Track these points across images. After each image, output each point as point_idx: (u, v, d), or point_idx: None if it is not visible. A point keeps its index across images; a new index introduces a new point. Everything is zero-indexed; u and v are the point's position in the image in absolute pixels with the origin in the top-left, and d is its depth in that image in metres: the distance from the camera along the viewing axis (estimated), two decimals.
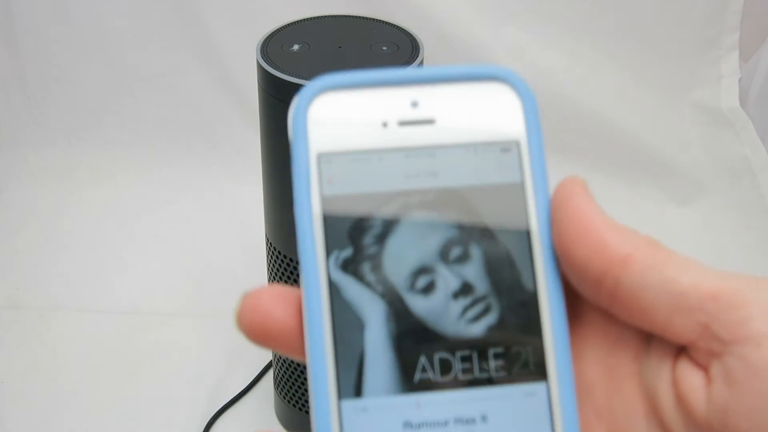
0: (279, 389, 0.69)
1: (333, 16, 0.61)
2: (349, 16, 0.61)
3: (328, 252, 0.23)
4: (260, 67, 0.55)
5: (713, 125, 0.99)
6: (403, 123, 0.24)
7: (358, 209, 0.23)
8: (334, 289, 0.23)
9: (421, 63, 0.56)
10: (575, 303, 0.24)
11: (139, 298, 0.82)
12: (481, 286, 0.23)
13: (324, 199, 0.23)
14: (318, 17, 0.61)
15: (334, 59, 0.56)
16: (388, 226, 0.23)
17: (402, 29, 0.59)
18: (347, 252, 0.23)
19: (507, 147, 0.24)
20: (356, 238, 0.23)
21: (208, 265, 0.86)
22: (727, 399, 0.21)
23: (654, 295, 0.22)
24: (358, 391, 0.22)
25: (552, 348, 0.23)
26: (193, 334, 0.78)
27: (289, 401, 0.68)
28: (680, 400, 0.22)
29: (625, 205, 0.94)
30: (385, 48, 0.56)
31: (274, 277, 0.64)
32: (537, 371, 0.23)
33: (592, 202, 0.23)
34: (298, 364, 0.65)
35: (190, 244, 0.89)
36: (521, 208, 0.24)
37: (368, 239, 0.23)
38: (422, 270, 0.23)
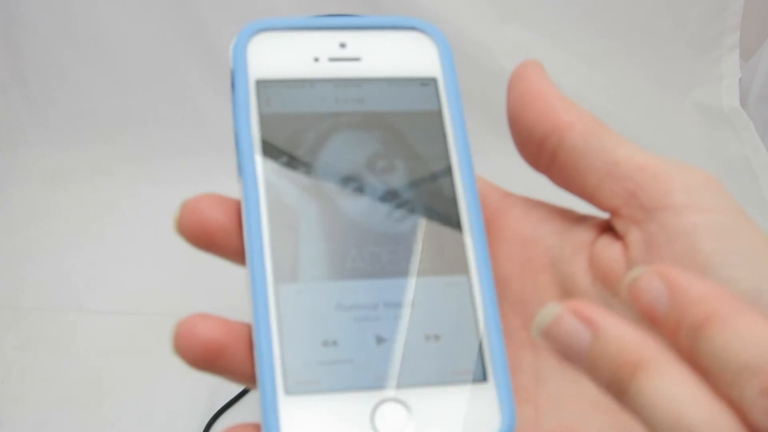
0: None
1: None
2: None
3: (265, 161, 0.25)
4: None
5: (713, 125, 0.99)
6: (333, 59, 0.27)
7: (292, 126, 0.26)
8: (270, 189, 0.25)
9: None
10: (490, 212, 0.27)
11: (140, 298, 0.82)
12: (405, 192, 0.26)
13: (262, 116, 0.26)
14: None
15: None
16: (320, 140, 0.26)
17: None
18: (283, 160, 0.25)
19: (426, 82, 0.27)
20: (291, 149, 0.25)
21: (208, 265, 0.86)
22: (646, 261, 0.23)
23: (590, 160, 0.24)
24: (293, 276, 0.24)
25: (471, 245, 0.25)
26: None
27: None
28: (600, 275, 0.24)
29: None
30: None
31: None
32: (459, 265, 0.25)
33: (547, 78, 0.26)
34: None
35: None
36: (439, 130, 0.26)
37: (302, 151, 0.26)
38: (351, 177, 0.26)
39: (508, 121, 0.26)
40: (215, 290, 0.83)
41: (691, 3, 0.96)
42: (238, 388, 0.73)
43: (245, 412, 0.72)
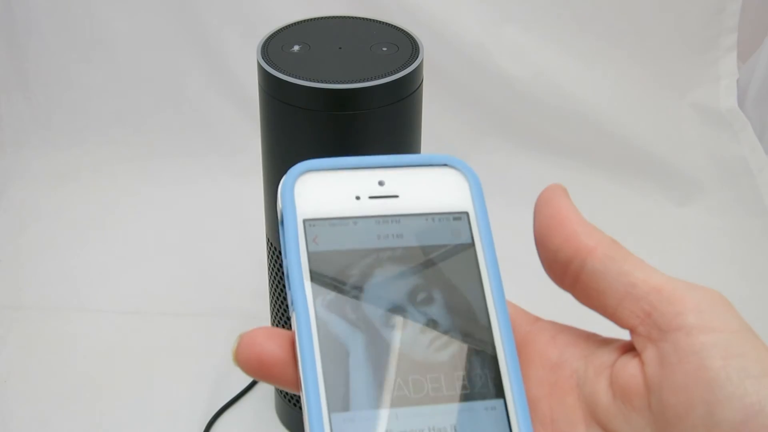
0: (279, 389, 0.69)
1: (333, 17, 0.62)
2: (349, 17, 0.62)
3: (315, 295, 0.27)
4: (261, 68, 0.55)
5: (711, 126, 0.99)
6: (373, 197, 0.29)
7: (339, 262, 0.28)
8: (321, 323, 0.27)
9: (421, 64, 0.56)
10: (521, 337, 0.29)
11: (140, 298, 0.83)
12: (443, 322, 0.28)
13: (310, 254, 0.28)
14: (318, 18, 0.61)
15: (335, 60, 0.56)
16: (364, 275, 0.28)
17: (402, 30, 0.59)
18: (331, 295, 0.27)
19: (458, 216, 0.29)
20: (338, 284, 0.28)
21: (208, 265, 0.86)
22: (660, 378, 0.25)
23: (610, 282, 0.27)
24: (345, 406, 0.26)
25: (506, 371, 0.27)
26: (193, 334, 0.79)
27: (289, 401, 0.69)
28: (619, 392, 0.26)
29: (624, 206, 0.94)
30: (384, 49, 0.57)
31: (274, 277, 0.64)
32: (495, 390, 0.27)
33: (570, 203, 0.28)
34: None
35: (191, 244, 0.89)
36: (473, 263, 0.29)
37: (348, 286, 0.28)
38: (394, 309, 0.28)
39: (535, 243, 0.29)
40: (215, 290, 0.84)
41: (688, 4, 0.97)
42: (238, 388, 0.73)
43: (245, 412, 0.72)
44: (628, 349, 0.28)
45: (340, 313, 0.27)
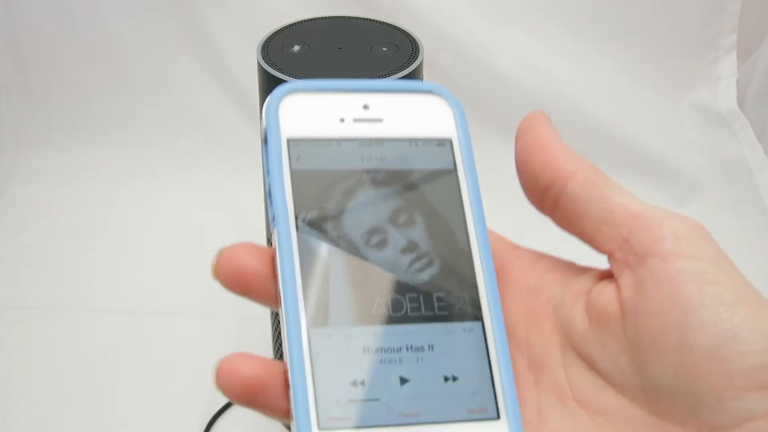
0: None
1: (333, 17, 0.62)
2: (349, 18, 0.62)
3: (297, 213, 0.27)
4: (261, 68, 0.55)
5: (711, 126, 0.99)
6: (357, 120, 0.29)
7: (321, 181, 0.28)
8: (301, 240, 0.27)
9: (421, 64, 0.56)
10: (500, 264, 0.30)
11: (140, 297, 0.83)
12: (424, 244, 0.28)
13: (293, 172, 0.28)
14: (318, 18, 0.61)
15: (335, 60, 0.56)
16: (347, 195, 0.28)
17: (402, 30, 0.59)
18: (312, 213, 0.27)
19: (442, 142, 0.30)
20: (320, 203, 0.28)
21: (208, 265, 0.86)
22: (635, 303, 0.26)
23: (589, 206, 0.27)
24: (324, 322, 0.26)
25: (485, 295, 0.28)
26: (194, 333, 0.79)
27: None
28: (595, 317, 0.27)
29: None
30: (384, 49, 0.57)
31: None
32: (473, 312, 0.28)
33: (552, 129, 0.29)
34: None
35: (191, 244, 0.89)
36: (455, 188, 0.29)
37: (330, 205, 0.28)
38: (375, 230, 0.28)
39: (516, 168, 0.29)
40: (215, 290, 0.83)
41: (688, 5, 0.97)
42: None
43: (245, 412, 0.72)
44: (605, 276, 0.28)
45: (321, 232, 0.27)
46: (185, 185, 0.96)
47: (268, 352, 0.75)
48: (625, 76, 0.99)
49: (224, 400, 0.72)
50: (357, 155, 0.29)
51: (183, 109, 1.00)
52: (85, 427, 0.70)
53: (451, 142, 0.30)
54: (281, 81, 0.54)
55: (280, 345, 0.66)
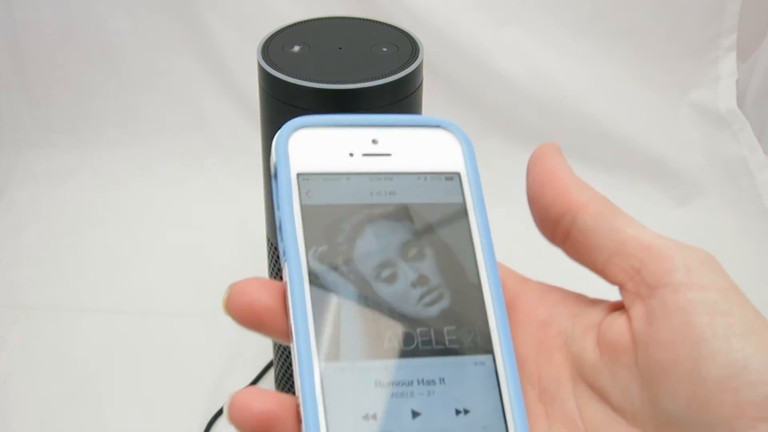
0: (280, 389, 0.70)
1: (333, 17, 0.62)
2: (349, 18, 0.62)
3: (308, 247, 0.27)
4: (261, 68, 0.55)
5: (711, 126, 0.99)
6: (366, 155, 0.29)
7: (331, 216, 0.28)
8: (312, 275, 0.27)
9: (421, 64, 0.56)
10: (510, 297, 0.29)
11: (140, 297, 0.83)
12: (434, 278, 0.28)
13: (303, 207, 0.28)
14: (318, 18, 0.61)
15: (335, 60, 0.56)
16: (356, 229, 0.28)
17: (402, 30, 0.59)
18: (323, 248, 0.28)
19: (450, 176, 0.30)
20: (330, 238, 0.28)
21: (208, 265, 0.87)
22: (647, 333, 0.26)
23: (600, 238, 0.27)
24: (335, 356, 0.26)
25: (495, 328, 0.28)
26: (193, 334, 0.79)
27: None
28: (606, 348, 0.27)
29: (623, 205, 0.94)
30: (385, 49, 0.57)
31: (274, 277, 0.64)
32: (484, 345, 0.28)
33: (562, 160, 0.29)
34: None
35: (191, 244, 0.89)
36: (464, 221, 0.29)
37: (340, 239, 0.28)
38: (385, 264, 0.28)
39: (528, 200, 0.29)
40: (215, 290, 0.84)
41: (688, 5, 0.97)
42: (238, 388, 0.73)
43: None
44: (617, 308, 0.28)
45: (332, 266, 0.27)
46: (185, 185, 0.96)
47: (268, 353, 0.75)
48: (625, 76, 0.99)
49: (224, 400, 0.72)
50: (366, 189, 0.29)
51: (183, 109, 1.00)
52: (85, 427, 0.70)
53: (459, 176, 0.30)
54: (282, 81, 0.54)
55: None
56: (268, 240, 0.63)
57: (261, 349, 0.76)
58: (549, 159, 0.29)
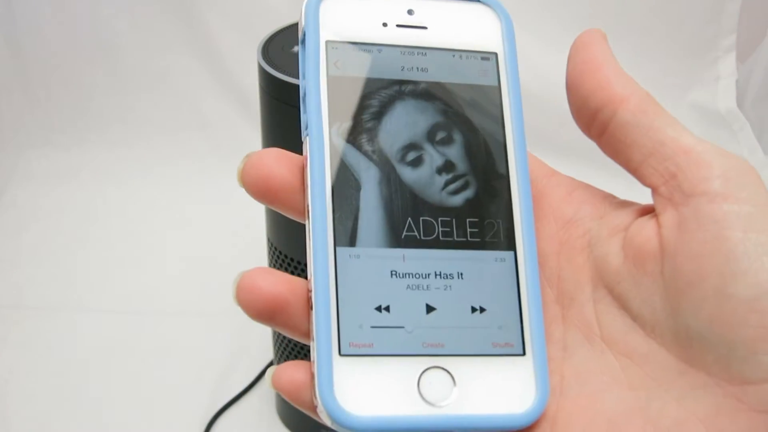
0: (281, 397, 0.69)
1: None
2: None
3: (332, 122, 0.26)
4: (261, 69, 0.55)
5: (711, 126, 0.99)
6: (400, 25, 0.27)
7: (359, 90, 0.26)
8: (334, 152, 0.26)
9: None
10: (537, 190, 0.28)
11: (140, 297, 0.83)
12: (461, 165, 0.27)
13: (330, 78, 0.26)
14: None
15: None
16: (384, 106, 0.27)
17: None
18: (348, 123, 0.26)
19: (487, 56, 0.28)
20: (356, 113, 0.26)
21: (208, 265, 0.87)
22: (676, 242, 0.24)
23: (638, 136, 0.26)
24: (352, 242, 0.25)
25: (520, 224, 0.27)
26: (193, 333, 0.79)
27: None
28: (632, 254, 0.25)
29: None
30: None
31: None
32: (507, 242, 0.26)
33: (608, 51, 0.27)
34: None
35: (191, 244, 0.89)
36: (497, 106, 0.28)
37: (366, 115, 0.26)
38: (412, 146, 0.27)
39: (566, 87, 0.28)
40: (215, 290, 0.84)
41: (688, 5, 0.97)
42: (239, 388, 0.73)
43: (245, 412, 0.72)
44: (647, 212, 0.26)
45: (355, 144, 0.26)
46: (185, 185, 0.96)
47: (268, 353, 0.75)
48: None
49: (224, 400, 0.72)
50: (398, 63, 0.27)
51: (183, 109, 1.00)
52: (85, 427, 0.70)
53: (496, 56, 0.28)
54: (282, 81, 0.54)
55: (287, 354, 0.66)
56: (268, 240, 0.63)
57: (261, 349, 0.76)
58: (593, 46, 0.27)
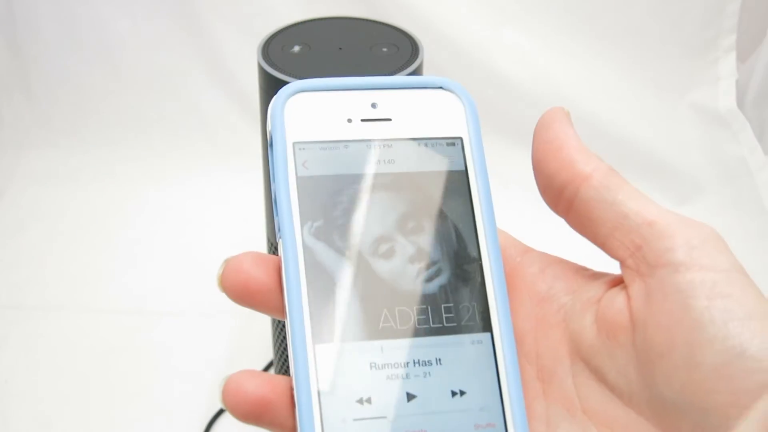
0: None
1: (333, 17, 0.62)
2: (349, 18, 0.62)
3: (303, 222, 0.26)
4: (261, 69, 0.55)
5: (711, 126, 0.99)
6: (365, 120, 0.28)
7: (328, 187, 0.27)
8: (308, 252, 0.26)
9: (421, 64, 0.56)
10: (510, 268, 0.29)
11: (140, 297, 0.83)
12: (433, 253, 0.27)
13: (299, 179, 0.27)
14: (319, 19, 0.61)
15: (335, 61, 0.56)
16: (354, 201, 0.27)
17: (402, 31, 0.59)
18: (319, 222, 0.27)
19: (452, 141, 0.28)
20: (326, 211, 0.27)
21: (208, 265, 0.86)
22: (645, 314, 0.25)
23: (603, 210, 0.26)
24: (330, 337, 0.26)
25: (494, 305, 0.27)
26: (193, 333, 0.79)
27: None
28: (604, 327, 0.26)
29: None
30: (385, 49, 0.57)
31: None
32: (483, 324, 0.27)
33: (570, 128, 0.28)
34: None
35: (191, 244, 0.89)
36: (465, 190, 0.28)
37: (337, 212, 0.27)
38: (383, 238, 0.27)
39: (532, 166, 0.28)
40: (215, 290, 0.84)
41: (688, 5, 0.97)
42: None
43: None
44: (617, 283, 0.27)
45: (328, 241, 0.26)
46: (185, 185, 0.97)
47: (268, 352, 0.75)
48: (624, 77, 0.99)
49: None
50: (365, 158, 0.28)
51: (183, 110, 1.00)
52: (85, 427, 0.70)
53: (461, 140, 0.29)
54: (282, 81, 0.54)
55: (285, 358, 0.66)
56: (268, 240, 0.63)
57: (261, 349, 0.76)
58: (555, 125, 0.28)
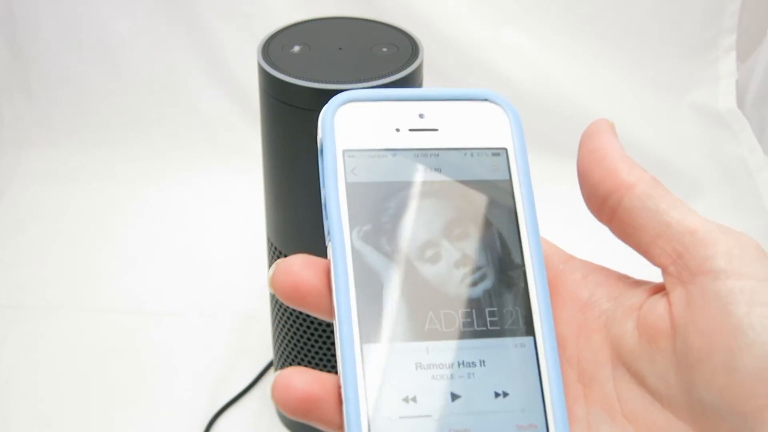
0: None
1: (333, 17, 0.62)
2: (349, 18, 0.62)
3: (352, 226, 0.27)
4: (261, 69, 0.55)
5: (711, 126, 0.99)
6: (413, 129, 0.29)
7: (376, 194, 0.28)
8: (356, 255, 0.27)
9: (421, 64, 0.56)
10: (553, 275, 0.30)
11: (140, 297, 0.83)
12: (477, 258, 0.28)
13: (348, 185, 0.28)
14: (319, 19, 0.61)
15: (335, 61, 0.56)
16: (401, 208, 0.28)
17: (402, 31, 0.59)
18: (367, 227, 0.28)
19: (497, 152, 0.29)
20: (374, 216, 0.28)
21: (208, 265, 0.87)
22: (686, 320, 0.26)
23: (645, 219, 0.27)
24: (377, 338, 0.26)
25: (537, 310, 0.28)
26: (193, 333, 0.79)
27: None
28: (645, 333, 0.27)
29: None
30: (385, 49, 0.57)
31: None
32: (525, 328, 0.28)
33: (614, 138, 0.29)
34: (299, 364, 0.65)
35: (191, 244, 0.89)
36: (510, 199, 0.29)
37: (384, 218, 0.28)
38: (429, 243, 0.28)
39: (578, 176, 0.29)
40: (215, 290, 0.84)
41: (688, 5, 0.97)
42: (238, 388, 0.74)
43: (245, 412, 0.72)
44: (658, 290, 0.28)
45: (376, 245, 0.27)
46: (185, 185, 0.97)
47: (268, 352, 0.75)
48: (624, 77, 0.99)
49: (224, 400, 0.72)
50: (412, 166, 0.29)
51: (183, 110, 1.00)
52: (85, 427, 0.70)
53: (506, 151, 0.30)
54: (281, 81, 0.54)
55: (286, 358, 0.66)
56: (268, 240, 0.63)
57: (261, 349, 0.76)
58: (600, 136, 0.29)
